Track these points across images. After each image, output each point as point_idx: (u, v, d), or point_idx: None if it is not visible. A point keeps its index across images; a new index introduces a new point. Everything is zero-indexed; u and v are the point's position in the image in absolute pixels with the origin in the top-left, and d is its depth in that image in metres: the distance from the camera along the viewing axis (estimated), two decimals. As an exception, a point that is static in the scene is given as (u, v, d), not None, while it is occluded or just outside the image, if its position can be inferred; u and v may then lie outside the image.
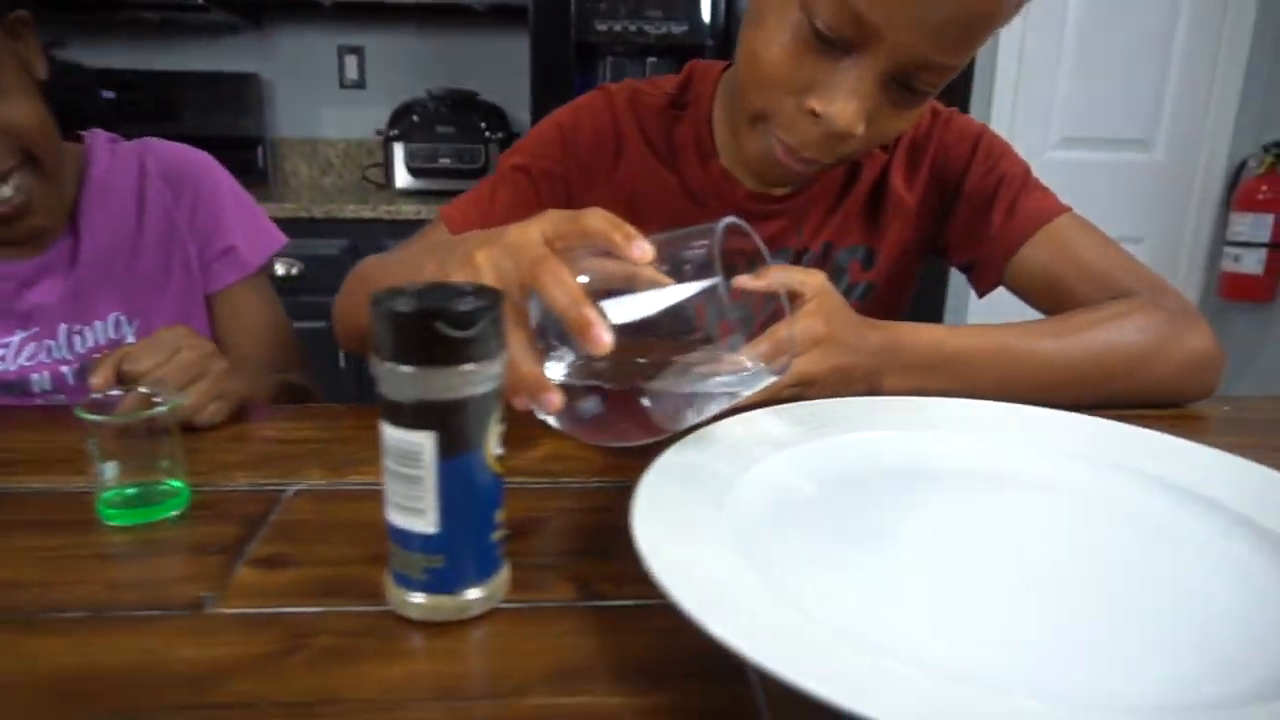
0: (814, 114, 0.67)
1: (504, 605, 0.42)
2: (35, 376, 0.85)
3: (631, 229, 0.46)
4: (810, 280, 0.64)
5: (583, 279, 0.47)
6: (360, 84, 2.77)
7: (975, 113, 2.35)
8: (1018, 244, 0.81)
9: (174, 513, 0.50)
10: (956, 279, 2.39)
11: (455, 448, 0.38)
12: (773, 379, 0.50)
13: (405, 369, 0.37)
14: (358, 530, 0.49)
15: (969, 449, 0.56)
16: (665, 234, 0.48)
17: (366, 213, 2.19)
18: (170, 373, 0.61)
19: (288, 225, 1.05)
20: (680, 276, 0.46)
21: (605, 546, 0.48)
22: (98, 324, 0.88)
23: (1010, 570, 0.43)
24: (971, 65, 2.25)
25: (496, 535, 0.41)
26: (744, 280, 0.64)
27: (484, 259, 0.48)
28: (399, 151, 2.46)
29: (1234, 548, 0.46)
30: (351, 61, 2.76)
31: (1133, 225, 2.48)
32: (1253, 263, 2.33)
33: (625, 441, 0.52)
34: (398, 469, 0.39)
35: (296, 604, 0.42)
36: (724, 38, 2.09)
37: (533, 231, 0.48)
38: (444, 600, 0.40)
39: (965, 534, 0.47)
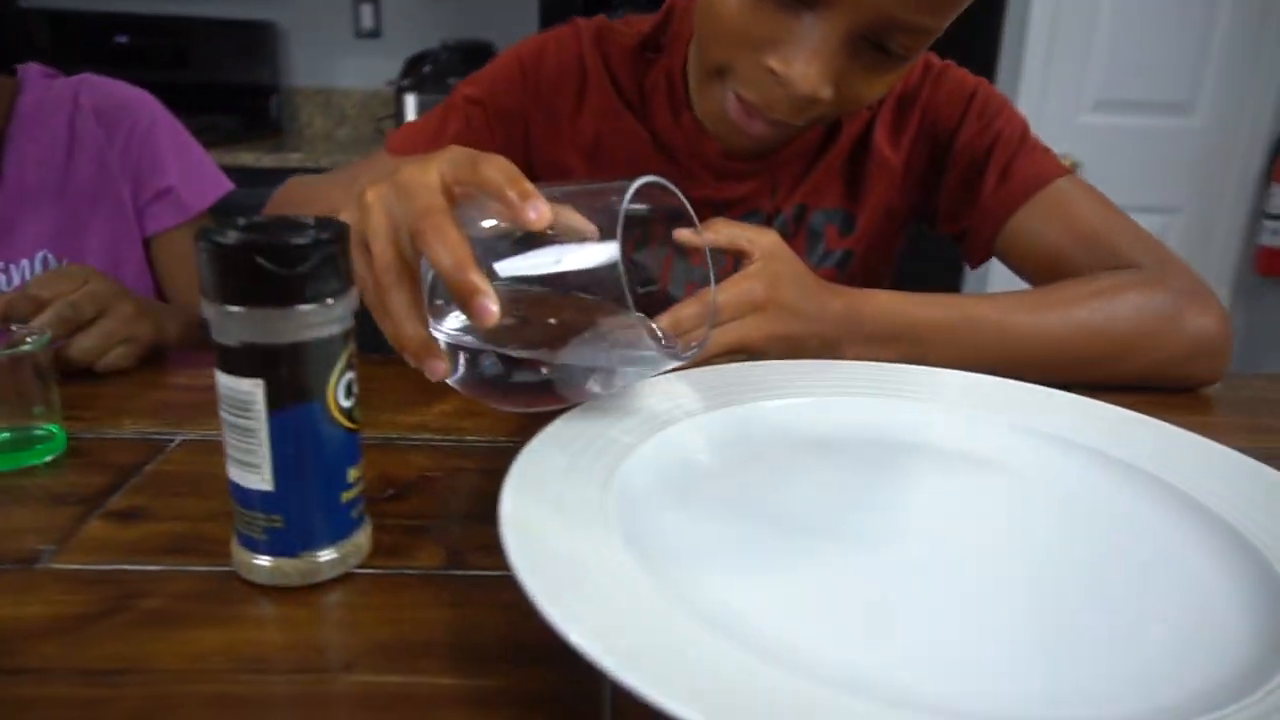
0: (774, 73, 0.61)
1: (360, 571, 0.39)
2: None
3: (529, 186, 0.40)
4: (761, 240, 0.60)
5: (489, 223, 0.42)
6: (376, 33, 2.72)
7: (1004, 73, 2.25)
8: (1012, 210, 0.74)
9: (45, 459, 0.47)
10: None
11: (289, 397, 0.34)
12: (689, 354, 0.46)
13: (231, 309, 0.33)
14: (232, 484, 0.46)
15: (894, 418, 0.52)
16: (580, 186, 0.43)
17: (375, 164, 2.15)
18: (79, 299, 0.58)
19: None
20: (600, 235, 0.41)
21: (487, 513, 0.44)
22: (24, 262, 0.85)
23: (915, 559, 0.39)
24: (1000, 22, 2.15)
25: (349, 494, 0.37)
26: (685, 234, 0.60)
27: (374, 198, 0.43)
28: (411, 103, 2.41)
29: (1185, 539, 0.41)
30: (367, 10, 2.71)
31: (1168, 195, 2.36)
32: (1293, 237, 2.22)
33: (531, 408, 0.48)
34: (231, 419, 0.35)
35: (139, 561, 0.39)
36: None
37: (429, 174, 0.42)
38: (287, 563, 0.37)
39: (878, 514, 0.43)
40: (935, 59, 0.80)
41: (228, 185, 0.96)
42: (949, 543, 0.40)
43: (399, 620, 0.35)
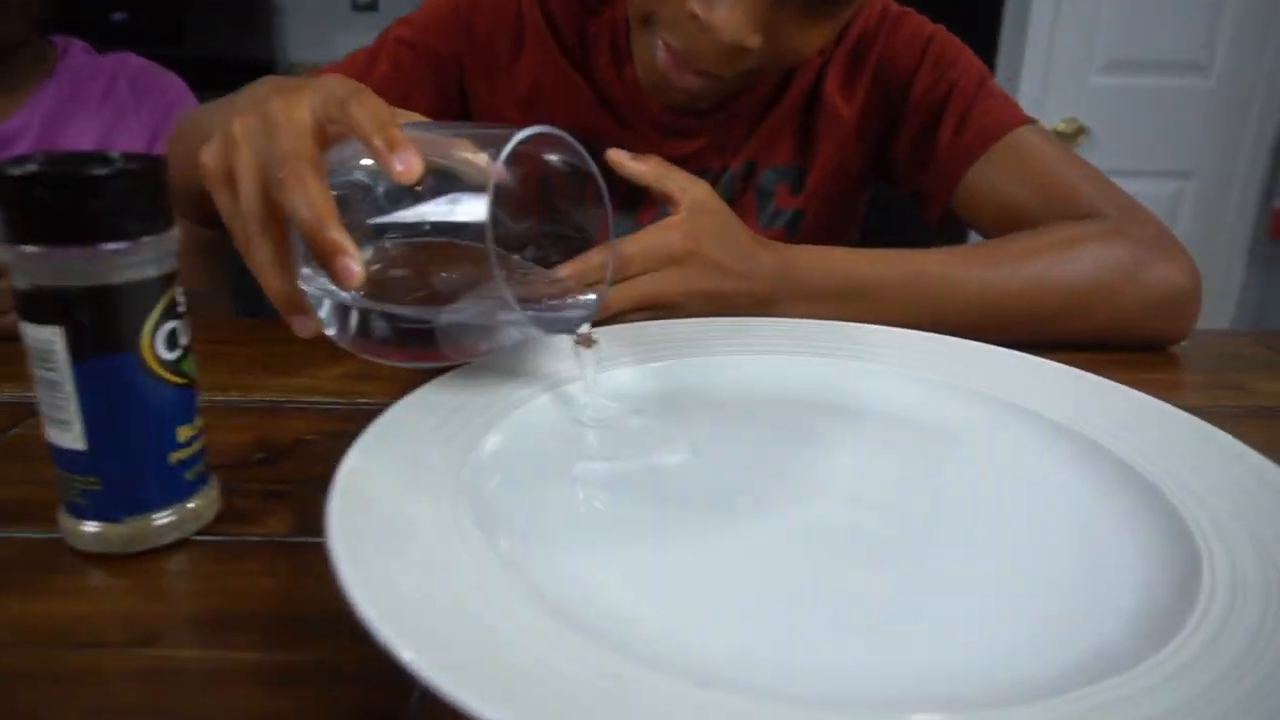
0: (697, 19, 0.57)
1: (200, 537, 0.36)
2: None
3: (397, 134, 0.35)
4: (692, 189, 0.56)
5: (369, 162, 0.39)
6: (373, 6, 2.69)
7: (1008, 32, 2.18)
8: (969, 161, 0.70)
9: (-94, 423, 0.45)
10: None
11: (94, 347, 0.31)
12: (578, 314, 0.43)
13: (23, 249, 0.30)
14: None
15: (801, 376, 0.48)
16: (480, 130, 0.39)
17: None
18: None
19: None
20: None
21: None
22: None
23: (806, 528, 0.35)
24: (1004, -21, 2.07)
25: (182, 455, 0.35)
26: (618, 155, 0.56)
27: (241, 132, 0.39)
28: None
29: (1101, 497, 0.37)
30: (363, -19, 2.68)
31: (1181, 159, 2.28)
32: (1310, 200, 2.14)
33: (422, 364, 0.45)
34: (38, 372, 0.32)
35: (-33, 527, 0.36)
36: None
37: (299, 110, 0.38)
38: (111, 529, 0.34)
39: (768, 481, 0.39)
40: (893, 4, 0.76)
41: None
42: (841, 509, 0.36)
43: (225, 590, 0.33)
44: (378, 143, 0.35)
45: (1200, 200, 2.31)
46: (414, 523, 0.31)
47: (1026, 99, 2.21)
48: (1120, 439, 0.39)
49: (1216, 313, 2.37)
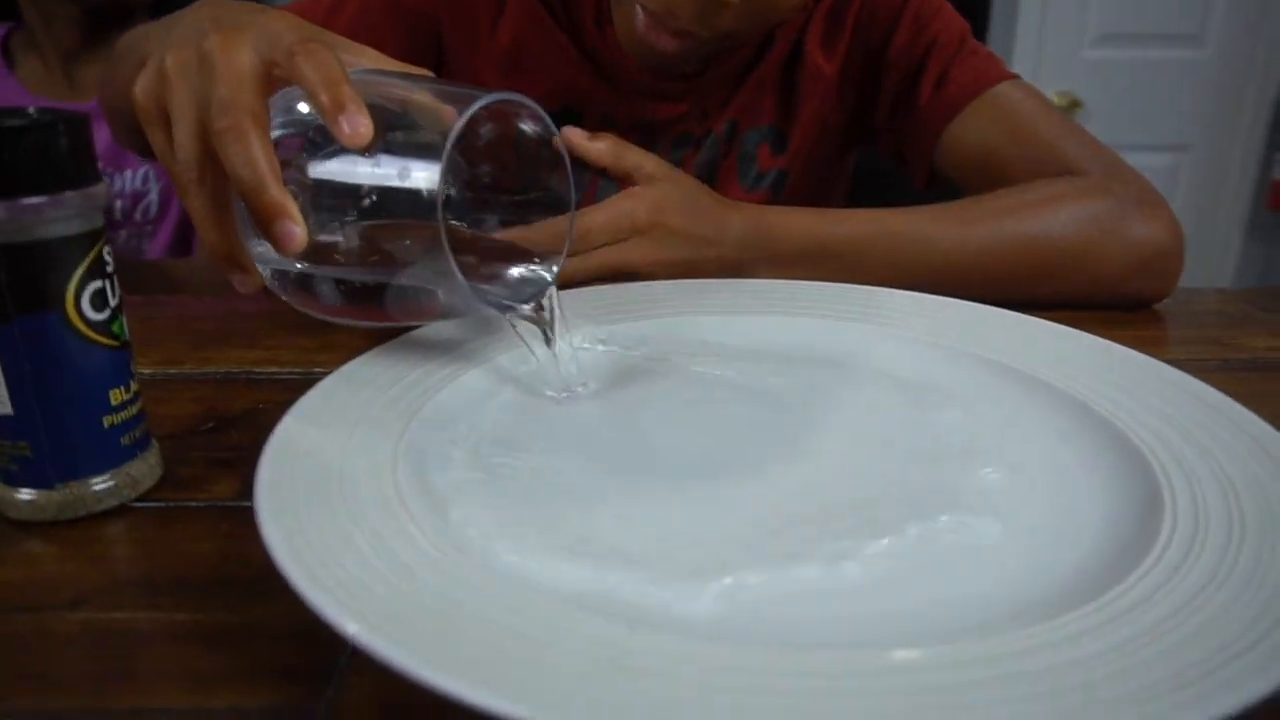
0: None
1: (141, 504, 0.35)
2: None
3: (346, 91, 0.33)
4: (648, 163, 0.55)
5: (302, 110, 0.37)
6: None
7: (999, 7, 2.15)
8: (950, 116, 0.68)
9: None
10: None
11: (16, 306, 0.30)
12: (532, 289, 0.41)
13: None
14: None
15: (763, 333, 0.47)
16: (433, 85, 0.38)
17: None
18: None
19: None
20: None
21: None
22: (128, 172, 0.95)
23: (770, 478, 0.34)
24: (994, -49, 2.05)
25: (116, 419, 0.34)
26: (573, 134, 0.55)
27: (176, 69, 0.36)
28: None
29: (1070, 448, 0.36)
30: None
31: (1177, 132, 2.26)
32: (1307, 170, 2.11)
33: (370, 324, 0.44)
34: (-39, 334, 0.31)
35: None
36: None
37: (242, 53, 0.35)
38: (44, 496, 0.33)
39: (731, 438, 0.38)
40: None
41: None
42: (813, 452, 0.35)
43: (161, 554, 0.32)
44: (325, 100, 0.33)
45: (1197, 173, 2.29)
46: (346, 480, 0.30)
47: (1019, 72, 2.19)
48: (1091, 387, 0.38)
49: (1217, 284, 2.35)
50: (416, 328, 0.44)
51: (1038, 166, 0.64)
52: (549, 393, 0.40)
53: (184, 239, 1.00)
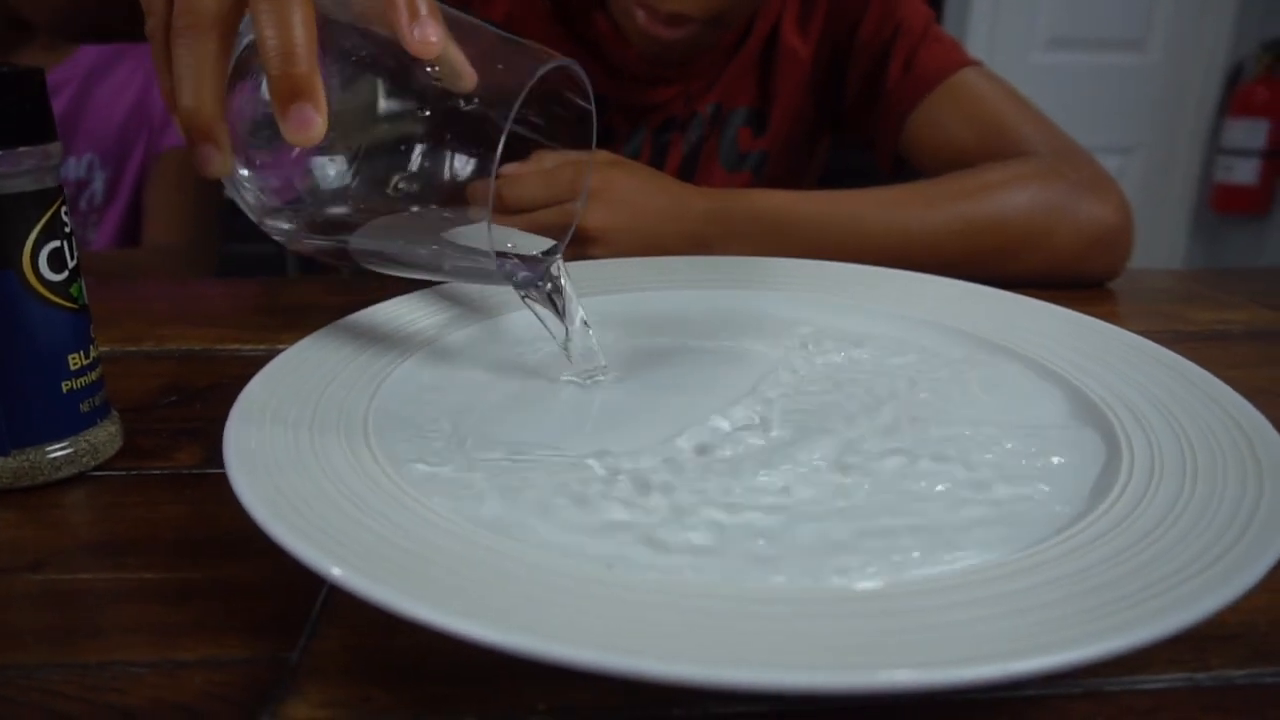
0: None
1: (101, 472, 0.34)
2: None
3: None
4: (599, 155, 0.55)
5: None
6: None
7: (951, 11, 2.20)
8: (915, 101, 0.70)
9: None
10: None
11: (-31, 264, 0.30)
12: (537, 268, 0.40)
13: None
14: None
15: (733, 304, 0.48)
16: (498, 32, 0.34)
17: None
18: None
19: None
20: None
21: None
22: (71, 160, 0.94)
23: (735, 429, 0.34)
24: (946, -43, 2.10)
25: (74, 384, 0.33)
26: (512, 168, 0.52)
27: None
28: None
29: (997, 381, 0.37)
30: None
31: (1124, 133, 2.32)
32: (1247, 172, 2.18)
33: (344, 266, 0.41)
34: (-87, 294, 0.30)
35: None
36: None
37: None
38: (0, 462, 0.32)
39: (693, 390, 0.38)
40: None
41: None
42: (774, 414, 0.35)
43: (123, 520, 0.31)
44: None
45: (1143, 174, 2.36)
46: (315, 435, 0.30)
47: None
48: (1046, 347, 0.39)
49: (1162, 285, 2.41)
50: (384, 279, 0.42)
51: (994, 150, 0.66)
52: (566, 377, 0.39)
53: (131, 229, 0.98)
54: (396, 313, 0.42)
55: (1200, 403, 0.33)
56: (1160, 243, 2.39)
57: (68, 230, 0.32)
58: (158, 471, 0.34)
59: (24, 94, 0.30)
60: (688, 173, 0.76)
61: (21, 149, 0.30)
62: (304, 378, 0.34)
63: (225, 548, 0.29)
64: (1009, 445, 0.32)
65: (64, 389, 0.33)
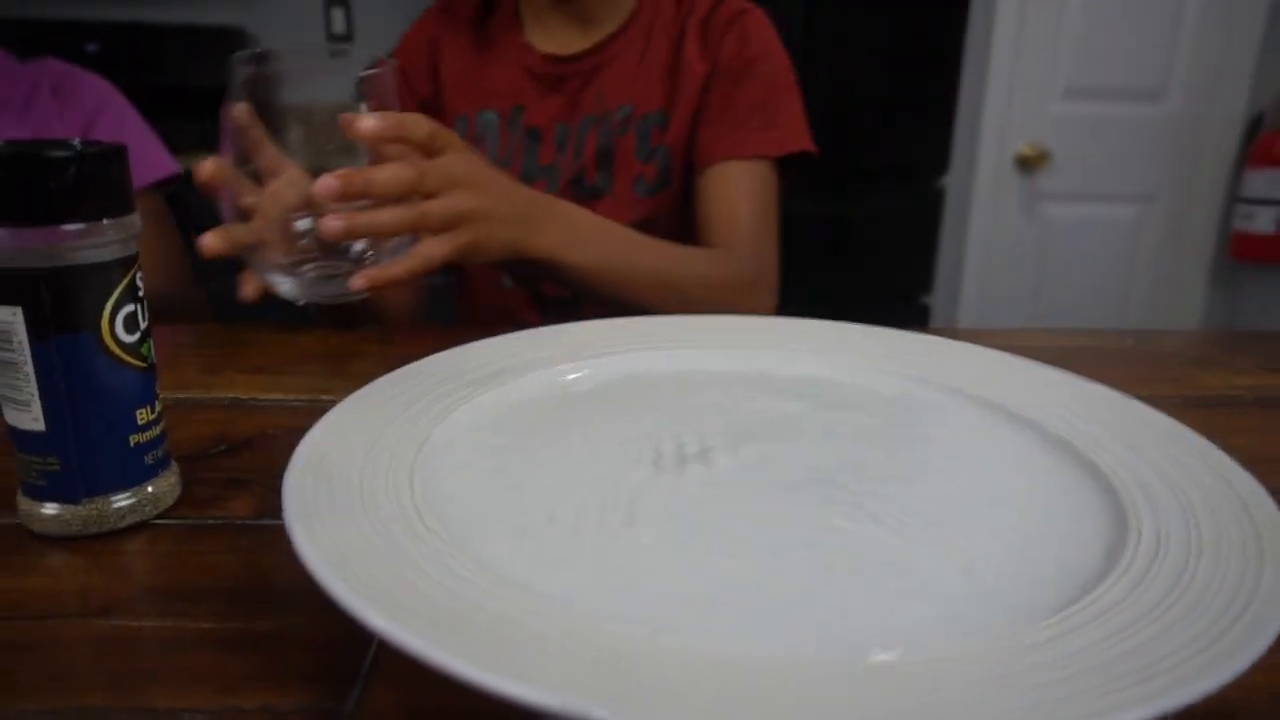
0: None
1: (161, 521, 0.36)
2: None
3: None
4: (446, 132, 0.58)
5: None
6: (348, 36, 2.71)
7: (970, 60, 2.23)
8: (709, 162, 0.83)
9: None
10: (950, 226, 2.28)
11: (54, 327, 0.32)
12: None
13: None
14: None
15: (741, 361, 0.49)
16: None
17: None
18: None
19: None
20: None
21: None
22: None
23: (723, 487, 0.36)
24: (966, 7, 2.13)
25: (141, 438, 0.35)
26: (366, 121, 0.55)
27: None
28: (376, 103, 2.41)
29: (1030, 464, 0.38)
30: (339, 14, 2.70)
31: (1143, 183, 2.34)
32: (1266, 222, 2.18)
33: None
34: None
35: (-75, 514, 0.36)
36: None
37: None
38: (70, 510, 0.34)
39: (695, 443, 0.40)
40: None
41: (172, 168, 0.97)
42: (801, 475, 0.37)
43: (183, 567, 0.33)
44: None
45: (1163, 222, 2.37)
46: (366, 492, 0.32)
47: (990, 125, 2.27)
48: (1062, 418, 0.41)
49: (1181, 328, 2.41)
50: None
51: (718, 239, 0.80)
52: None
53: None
54: (447, 365, 0.44)
55: (1209, 477, 0.34)
56: (1180, 288, 2.39)
57: (140, 294, 0.35)
58: (213, 521, 0.36)
59: (108, 170, 0.32)
60: (605, 158, 0.87)
61: (105, 221, 0.32)
62: (357, 432, 0.36)
63: (280, 598, 0.31)
64: (1016, 515, 0.34)
65: (131, 443, 0.35)
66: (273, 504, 0.38)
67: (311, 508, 0.29)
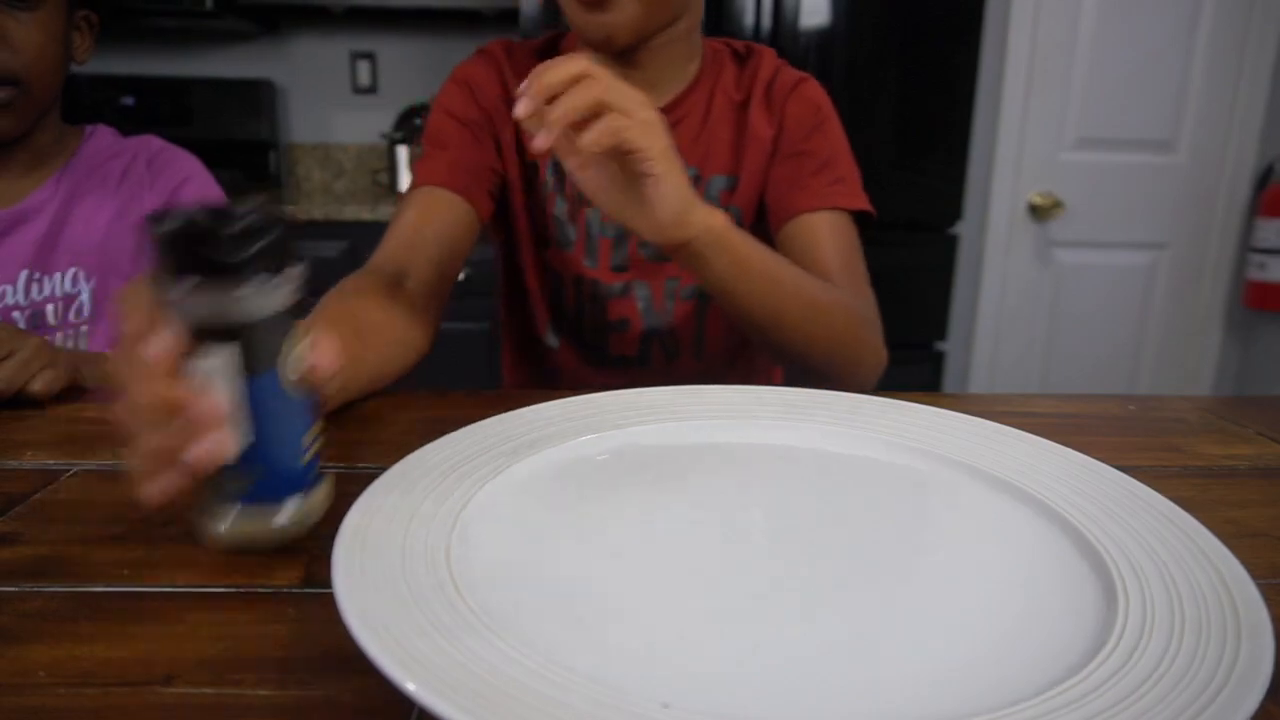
0: None
1: (214, 589, 0.39)
2: None
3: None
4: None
5: None
6: (373, 89, 2.79)
7: (981, 111, 2.27)
8: (785, 219, 0.85)
9: (-62, 489, 0.48)
10: (965, 270, 2.31)
11: (256, 366, 0.38)
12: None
13: (202, 288, 0.37)
14: (110, 509, 0.46)
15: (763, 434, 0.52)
16: None
17: (365, 215, 2.20)
18: None
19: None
20: None
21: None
22: (57, 275, 0.94)
23: (742, 569, 0.39)
24: (976, 59, 2.18)
25: (308, 456, 0.42)
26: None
27: None
28: (402, 154, 2.48)
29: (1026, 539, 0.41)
30: (364, 67, 2.78)
31: (1155, 231, 2.36)
32: (1278, 271, 2.20)
33: None
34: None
35: (-2, 582, 0.39)
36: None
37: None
38: (257, 521, 0.41)
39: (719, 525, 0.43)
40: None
41: None
42: (804, 548, 0.40)
43: (235, 636, 0.36)
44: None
45: (1175, 270, 2.39)
46: (410, 567, 0.34)
47: (1001, 174, 2.30)
48: (1060, 494, 0.43)
49: (1196, 378, 2.42)
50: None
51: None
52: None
53: None
54: (484, 435, 0.47)
55: (1193, 558, 0.36)
56: (1193, 336, 2.40)
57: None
58: (263, 590, 0.39)
59: (284, 229, 0.38)
60: None
61: (284, 272, 0.38)
62: (397, 505, 0.39)
63: (327, 665, 0.34)
64: (1007, 590, 0.36)
65: (303, 461, 0.41)
66: (316, 572, 0.41)
67: (356, 587, 0.32)
